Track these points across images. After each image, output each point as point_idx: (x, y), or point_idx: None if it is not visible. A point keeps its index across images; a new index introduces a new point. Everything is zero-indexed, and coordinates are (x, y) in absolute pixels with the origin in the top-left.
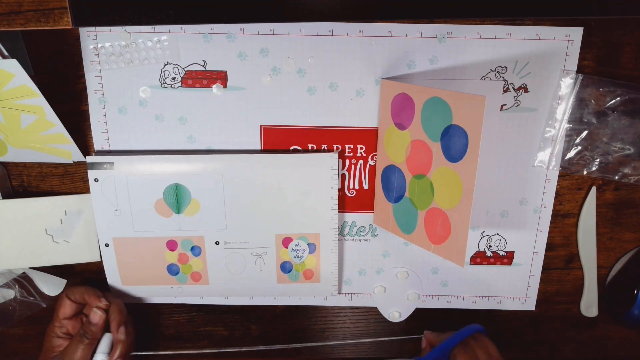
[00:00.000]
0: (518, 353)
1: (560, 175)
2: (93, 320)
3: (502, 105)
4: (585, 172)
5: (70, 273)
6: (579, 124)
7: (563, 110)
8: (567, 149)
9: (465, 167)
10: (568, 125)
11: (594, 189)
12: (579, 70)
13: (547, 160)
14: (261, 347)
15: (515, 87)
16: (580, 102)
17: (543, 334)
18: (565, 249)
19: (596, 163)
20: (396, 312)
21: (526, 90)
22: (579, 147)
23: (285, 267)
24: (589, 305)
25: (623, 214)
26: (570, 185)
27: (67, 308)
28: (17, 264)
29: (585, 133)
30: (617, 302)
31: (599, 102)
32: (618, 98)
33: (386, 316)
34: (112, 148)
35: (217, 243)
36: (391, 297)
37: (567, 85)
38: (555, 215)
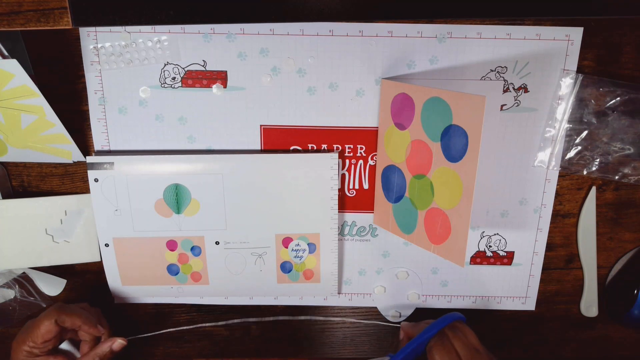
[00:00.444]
0: (518, 353)
1: (560, 175)
2: (115, 349)
3: (502, 105)
4: (585, 172)
5: (70, 273)
6: (579, 124)
7: (563, 110)
8: (567, 149)
9: (465, 167)
10: (568, 125)
11: (594, 189)
12: (579, 70)
13: (547, 160)
14: (266, 319)
15: (515, 87)
16: (580, 102)
17: (543, 334)
18: (565, 249)
19: (596, 163)
20: (396, 312)
21: (526, 90)
22: (579, 147)
23: (285, 267)
24: (589, 305)
25: (623, 214)
26: (570, 185)
27: (52, 333)
28: (17, 264)
29: (585, 133)
30: (617, 302)
31: (599, 102)
32: (618, 98)
33: (386, 316)
34: (112, 148)
35: (217, 243)
36: (391, 297)
37: (567, 85)
38: (555, 215)
